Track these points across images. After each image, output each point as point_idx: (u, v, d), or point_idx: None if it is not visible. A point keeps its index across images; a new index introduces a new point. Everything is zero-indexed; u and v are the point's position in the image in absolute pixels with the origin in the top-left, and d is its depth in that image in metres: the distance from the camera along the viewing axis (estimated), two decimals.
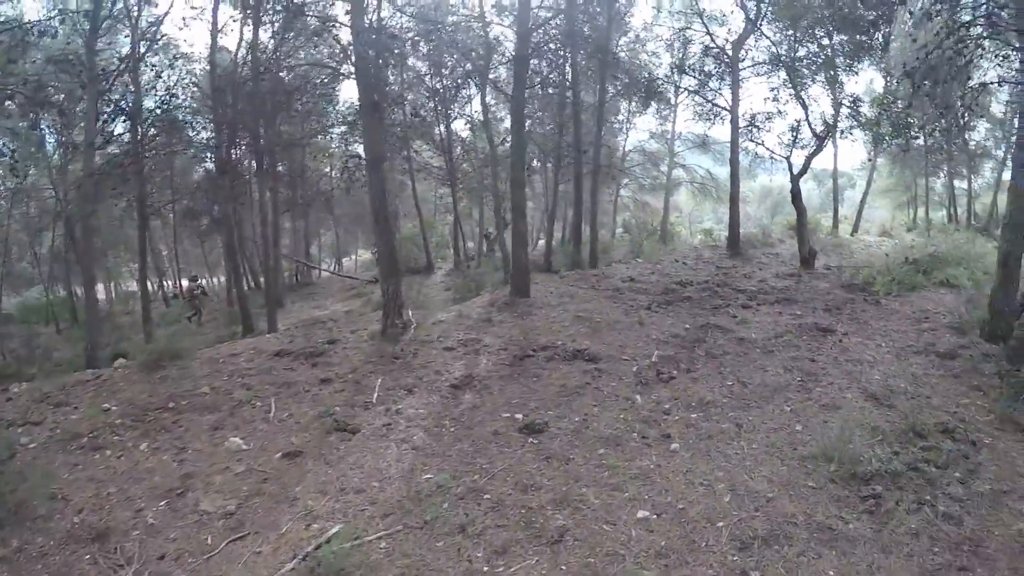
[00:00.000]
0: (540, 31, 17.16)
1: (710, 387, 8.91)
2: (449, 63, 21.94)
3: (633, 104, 28.65)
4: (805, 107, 18.85)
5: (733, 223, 22.44)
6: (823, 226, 29.40)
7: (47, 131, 21.55)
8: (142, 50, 18.04)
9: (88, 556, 5.94)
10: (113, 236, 28.62)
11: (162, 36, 19.33)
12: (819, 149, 19.06)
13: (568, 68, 20.29)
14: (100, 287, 31.90)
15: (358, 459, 7.45)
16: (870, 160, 32.37)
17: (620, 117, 33.21)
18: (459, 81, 22.72)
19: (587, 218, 22.44)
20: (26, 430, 9.14)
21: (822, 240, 24.02)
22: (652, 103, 25.61)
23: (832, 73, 19.39)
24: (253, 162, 21.00)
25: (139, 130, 17.74)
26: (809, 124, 18.99)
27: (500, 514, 6.00)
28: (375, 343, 12.20)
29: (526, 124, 18.86)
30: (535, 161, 26.55)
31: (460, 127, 28.89)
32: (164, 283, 35.86)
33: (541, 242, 33.51)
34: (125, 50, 18.71)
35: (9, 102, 15.46)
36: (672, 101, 29.87)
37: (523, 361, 10.32)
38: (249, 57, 18.39)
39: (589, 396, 8.80)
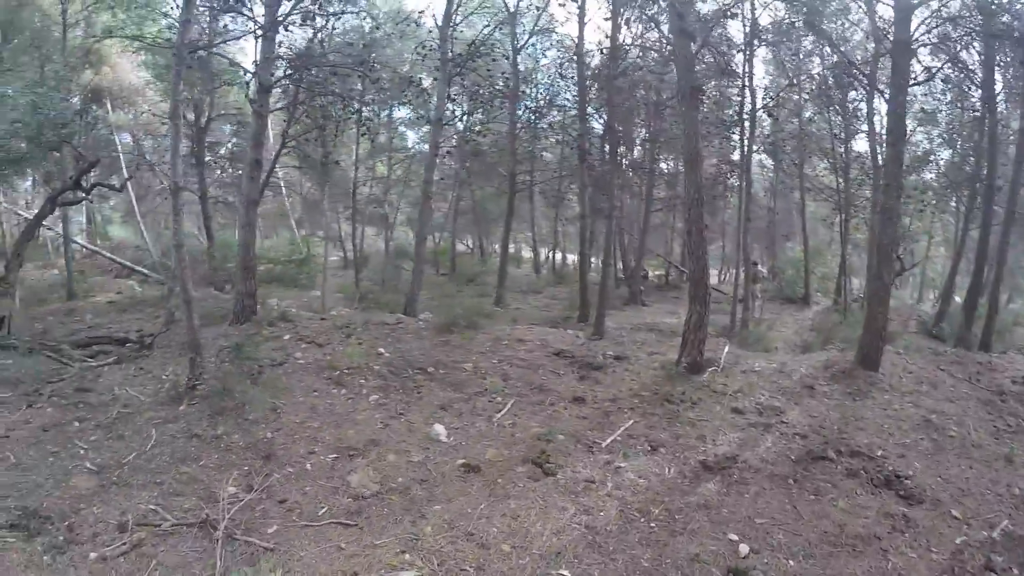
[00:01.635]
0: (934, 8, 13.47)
1: None
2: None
3: None
4: None
5: None
6: None
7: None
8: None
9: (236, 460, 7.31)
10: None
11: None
12: None
13: (979, 67, 16.06)
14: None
15: (517, 509, 6.51)
16: None
17: None
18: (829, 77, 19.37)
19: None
20: (307, 350, 10.70)
21: None
22: None
23: None
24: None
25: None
26: None
27: None
28: (660, 375, 10.70)
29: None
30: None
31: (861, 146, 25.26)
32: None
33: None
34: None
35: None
36: None
37: (813, 464, 7.90)
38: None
39: (870, 560, 6.05)
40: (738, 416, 9.26)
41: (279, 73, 14.24)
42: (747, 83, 18.57)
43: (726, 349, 12.11)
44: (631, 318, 19.51)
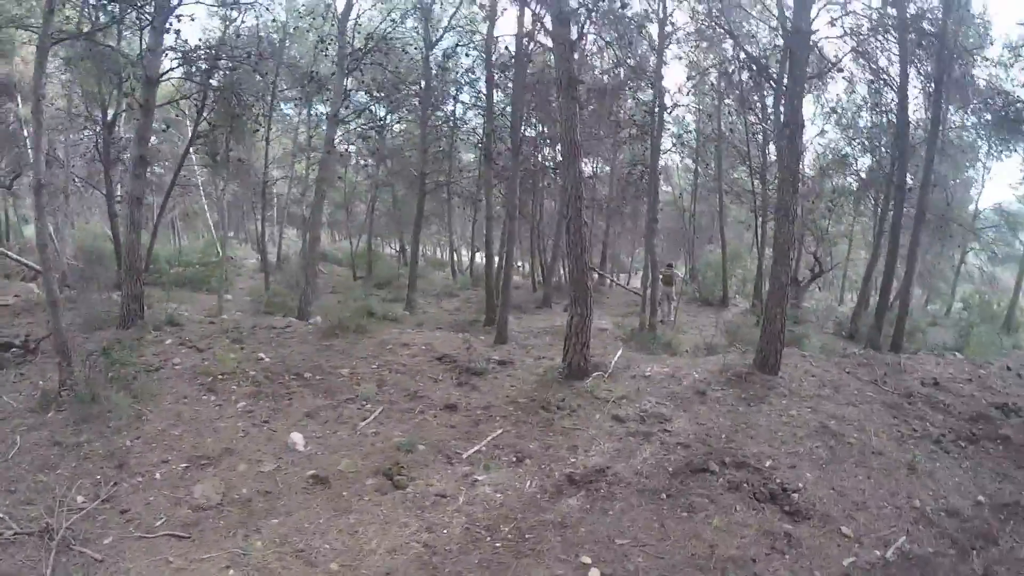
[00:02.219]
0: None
1: None
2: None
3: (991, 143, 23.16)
4: None
5: None
6: None
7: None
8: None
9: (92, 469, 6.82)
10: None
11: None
12: None
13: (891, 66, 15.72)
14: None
15: (357, 525, 6.13)
16: None
17: (976, 163, 27.82)
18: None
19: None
20: (187, 355, 10.18)
21: None
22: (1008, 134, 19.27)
23: None
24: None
25: None
26: None
27: None
28: (542, 381, 9.87)
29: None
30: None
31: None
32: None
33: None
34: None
35: None
36: None
37: (692, 476, 7.02)
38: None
39: None
40: (617, 424, 8.37)
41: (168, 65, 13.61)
42: (654, 82, 18.01)
43: (619, 353, 11.32)
44: (540, 322, 18.81)
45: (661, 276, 19.79)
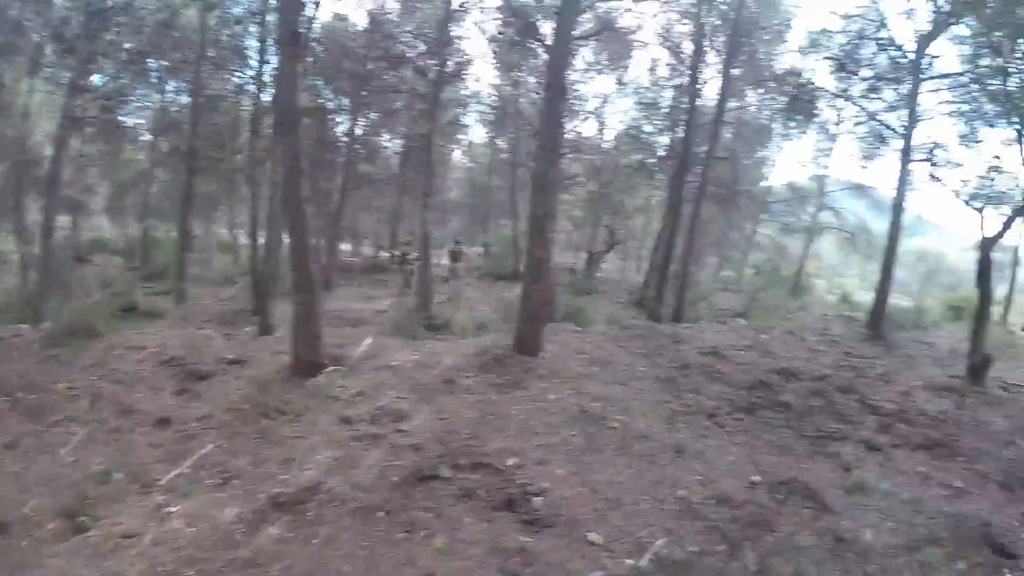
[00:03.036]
0: None
1: None
2: None
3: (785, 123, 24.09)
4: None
5: (881, 295, 16.67)
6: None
7: None
8: None
9: None
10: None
11: None
12: None
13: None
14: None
15: None
16: None
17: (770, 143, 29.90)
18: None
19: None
20: None
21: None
22: (799, 116, 19.83)
23: None
24: None
25: None
26: None
27: None
28: (270, 381, 8.42)
29: None
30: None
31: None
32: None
33: None
34: None
35: None
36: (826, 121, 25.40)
37: (418, 486, 5.83)
38: None
39: None
40: (344, 428, 7.05)
41: None
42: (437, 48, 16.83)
43: (367, 341, 10.04)
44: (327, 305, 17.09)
45: (449, 252, 18.82)
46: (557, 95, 9.84)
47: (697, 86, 16.96)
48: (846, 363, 12.36)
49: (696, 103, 17.20)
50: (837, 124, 25.56)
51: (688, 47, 17.61)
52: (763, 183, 31.66)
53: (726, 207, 22.91)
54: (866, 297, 22.55)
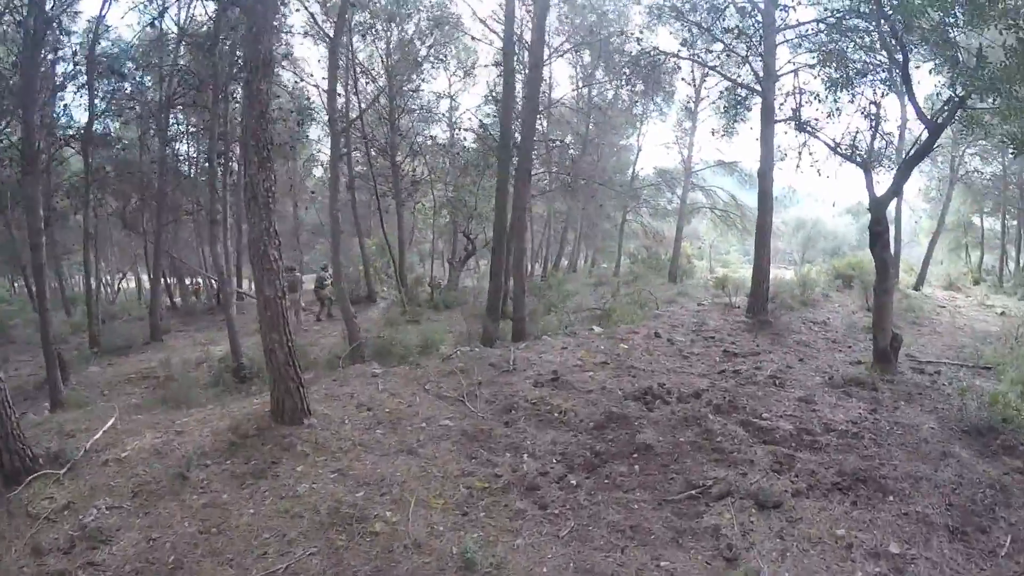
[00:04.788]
0: None
1: None
2: None
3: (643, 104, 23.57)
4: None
5: (759, 274, 14.16)
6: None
7: None
8: None
9: None
10: None
11: None
12: (928, 148, 9.80)
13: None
14: None
15: None
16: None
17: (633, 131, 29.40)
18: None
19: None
20: None
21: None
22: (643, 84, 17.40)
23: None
24: None
25: None
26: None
27: None
28: None
29: None
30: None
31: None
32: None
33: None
34: None
35: None
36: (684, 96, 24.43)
37: None
38: None
39: None
40: (33, 561, 4.59)
41: None
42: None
43: (110, 421, 6.72)
44: (136, 363, 13.61)
45: (286, 283, 15.65)
46: (254, 75, 6.74)
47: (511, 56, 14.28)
48: (727, 367, 9.82)
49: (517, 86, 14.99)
50: (695, 101, 23.78)
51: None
52: (629, 170, 30.55)
53: (584, 197, 21.53)
54: (745, 273, 21.09)
